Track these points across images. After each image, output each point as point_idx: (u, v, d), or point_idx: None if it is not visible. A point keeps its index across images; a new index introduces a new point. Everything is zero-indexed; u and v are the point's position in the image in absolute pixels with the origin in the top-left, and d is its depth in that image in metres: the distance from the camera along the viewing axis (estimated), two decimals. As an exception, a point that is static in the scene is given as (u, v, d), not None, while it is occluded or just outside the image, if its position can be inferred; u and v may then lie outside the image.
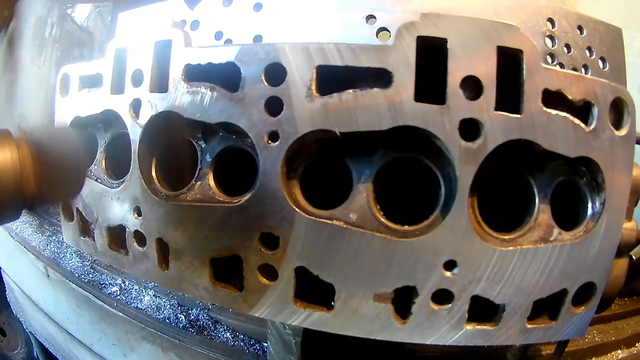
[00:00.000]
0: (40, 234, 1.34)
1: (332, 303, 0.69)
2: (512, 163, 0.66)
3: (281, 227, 0.67)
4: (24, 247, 1.34)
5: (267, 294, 0.70)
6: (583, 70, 0.80)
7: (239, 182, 0.74)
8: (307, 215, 0.65)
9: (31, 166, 0.77)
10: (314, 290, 0.70)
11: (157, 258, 0.79)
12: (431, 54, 0.62)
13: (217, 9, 0.97)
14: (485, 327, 0.68)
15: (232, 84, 0.68)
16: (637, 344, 0.94)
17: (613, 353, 0.91)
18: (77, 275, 1.15)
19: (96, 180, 0.84)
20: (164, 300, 1.00)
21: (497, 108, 0.61)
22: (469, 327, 0.67)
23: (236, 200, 0.70)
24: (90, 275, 1.13)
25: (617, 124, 0.65)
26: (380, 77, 0.63)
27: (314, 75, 0.63)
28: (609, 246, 0.66)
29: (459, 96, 0.61)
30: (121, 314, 1.00)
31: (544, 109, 0.62)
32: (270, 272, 0.69)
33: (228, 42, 0.95)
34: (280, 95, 0.64)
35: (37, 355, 1.72)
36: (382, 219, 0.65)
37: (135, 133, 0.77)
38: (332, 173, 0.69)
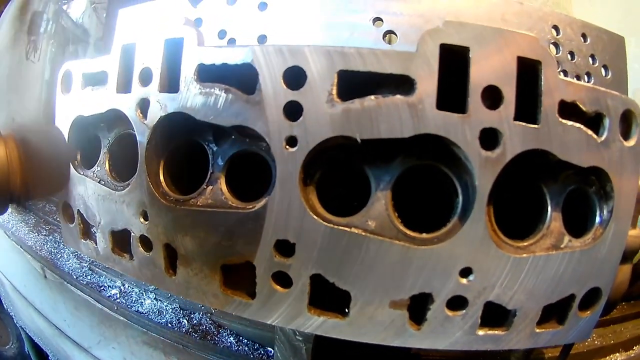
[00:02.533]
0: (36, 234, 1.24)
1: (347, 310, 0.66)
2: (526, 172, 0.64)
3: (297, 234, 0.63)
4: (20, 247, 1.24)
5: (281, 302, 0.67)
6: (586, 77, 0.80)
7: (250, 187, 0.70)
8: (324, 223, 0.62)
9: (17, 162, 0.76)
10: (326, 296, 0.67)
11: (164, 264, 0.73)
12: (452, 62, 0.59)
13: (220, 7, 0.91)
14: (496, 332, 0.66)
15: (247, 86, 0.63)
16: (634, 347, 0.95)
17: (612, 356, 0.92)
18: (75, 277, 1.07)
19: (99, 182, 0.77)
20: (165, 304, 0.94)
21: (515, 118, 0.60)
22: (481, 332, 0.66)
23: (250, 207, 0.65)
24: (89, 277, 1.05)
25: (626, 135, 0.64)
26: (402, 84, 0.60)
27: (335, 80, 0.59)
28: (616, 253, 0.66)
29: (479, 105, 0.59)
30: (122, 318, 0.94)
31: (560, 120, 0.61)
32: (284, 280, 0.66)
33: (232, 41, 0.90)
34: (300, 100, 0.60)
35: (28, 351, 1.63)
36: (401, 227, 0.62)
37: (142, 134, 0.71)
38: (349, 180, 0.65)
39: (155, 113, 0.69)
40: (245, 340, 0.88)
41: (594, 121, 0.64)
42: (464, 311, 0.64)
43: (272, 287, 0.66)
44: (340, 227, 0.62)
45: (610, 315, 0.91)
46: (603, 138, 0.63)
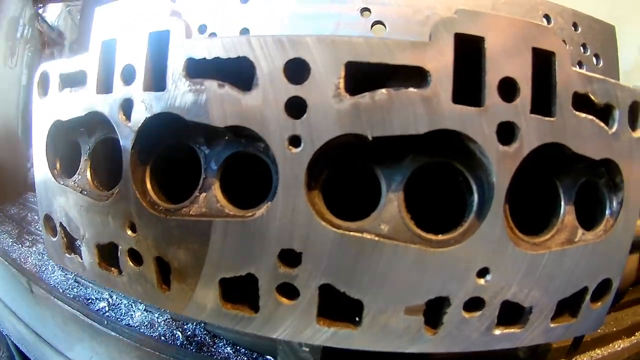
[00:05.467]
0: (20, 245, 1.09)
1: (358, 319, 0.57)
2: (540, 167, 0.58)
3: (304, 243, 0.53)
4: (5, 260, 1.09)
5: (287, 314, 0.57)
6: (578, 66, 0.75)
7: (247, 192, 0.60)
8: (333, 229, 0.53)
9: None
10: (334, 304, 0.58)
11: (156, 279, 0.62)
12: (465, 53, 0.51)
13: (201, 0, 0.80)
14: (512, 330, 0.60)
15: (243, 81, 0.53)
16: (636, 334, 0.92)
17: (614, 343, 0.89)
18: (61, 290, 0.94)
19: (81, 192, 0.65)
20: (156, 315, 0.82)
21: (532, 111, 0.53)
22: (498, 331, 0.59)
23: (250, 214, 0.55)
24: (75, 290, 0.92)
25: (633, 126, 0.59)
26: (414, 76, 0.51)
27: (343, 73, 0.50)
28: (626, 243, 0.61)
29: (496, 99, 0.52)
30: (112, 333, 0.82)
31: (574, 112, 0.54)
32: (290, 291, 0.56)
33: (213, 35, 0.79)
34: (303, 95, 0.51)
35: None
36: (416, 229, 0.54)
37: (126, 138, 0.59)
38: (356, 181, 0.57)
39: (140, 114, 0.58)
40: (243, 350, 0.78)
41: (603, 113, 0.58)
42: (481, 312, 0.57)
43: (277, 299, 0.57)
44: (351, 233, 0.53)
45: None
46: (614, 130, 0.57)
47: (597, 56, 0.77)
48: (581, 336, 0.75)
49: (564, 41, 0.78)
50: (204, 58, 0.54)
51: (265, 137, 0.52)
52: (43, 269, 0.99)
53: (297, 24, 0.75)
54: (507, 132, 0.52)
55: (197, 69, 0.55)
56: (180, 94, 0.55)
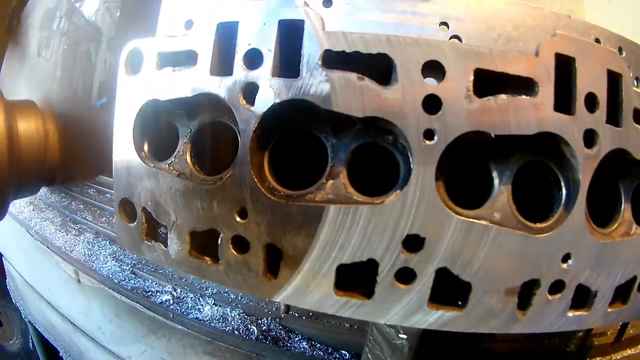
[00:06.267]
0: (64, 233, 1.03)
1: (461, 302, 0.69)
2: (606, 169, 0.76)
3: (429, 229, 0.64)
4: (47, 247, 1.03)
5: (401, 298, 0.68)
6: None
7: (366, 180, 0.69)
8: (456, 215, 0.64)
9: (56, 139, 0.72)
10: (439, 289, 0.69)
11: (262, 266, 0.68)
12: (560, 69, 0.68)
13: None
14: (580, 312, 0.76)
15: (376, 75, 0.63)
16: None
17: None
18: (116, 281, 0.91)
19: (178, 175, 0.68)
20: (227, 309, 0.84)
21: (606, 121, 0.71)
22: (570, 313, 0.75)
23: (379, 201, 0.65)
24: (133, 282, 0.89)
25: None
26: (523, 85, 0.66)
27: (472, 78, 0.63)
28: (663, 238, 0.81)
29: (583, 109, 0.69)
30: (179, 327, 0.81)
31: (634, 124, 0.74)
32: (408, 276, 0.67)
33: None
34: (439, 93, 0.63)
35: (32, 346, 1.57)
36: (520, 218, 0.68)
37: (246, 122, 0.66)
38: (468, 174, 0.69)
39: (267, 99, 0.65)
40: (319, 345, 0.84)
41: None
42: (561, 294, 0.73)
43: (393, 284, 0.67)
44: (470, 219, 0.65)
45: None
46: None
47: (637, 79, 0.98)
48: (625, 325, 0.95)
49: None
50: (343, 51, 0.63)
51: (403, 129, 0.62)
52: (93, 258, 0.95)
53: (380, 30, 0.86)
54: (590, 138, 0.70)
55: (331, 60, 0.64)
56: (316, 82, 0.64)
